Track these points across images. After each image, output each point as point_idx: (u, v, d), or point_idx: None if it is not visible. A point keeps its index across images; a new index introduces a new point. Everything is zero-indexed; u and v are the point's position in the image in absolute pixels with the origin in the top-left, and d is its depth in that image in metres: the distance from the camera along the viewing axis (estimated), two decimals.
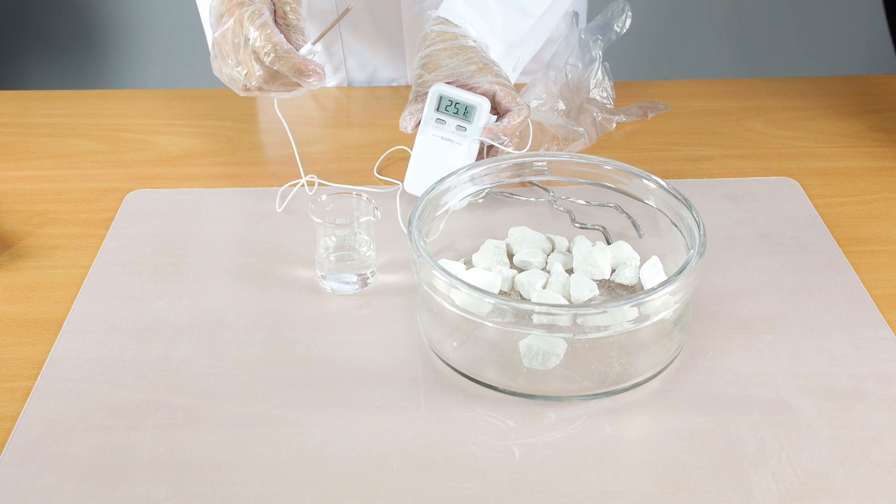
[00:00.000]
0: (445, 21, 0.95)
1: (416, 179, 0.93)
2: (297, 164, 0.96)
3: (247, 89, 0.86)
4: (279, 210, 0.93)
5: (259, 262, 0.87)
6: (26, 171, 1.03)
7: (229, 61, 0.85)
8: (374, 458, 0.68)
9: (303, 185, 0.96)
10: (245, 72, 0.84)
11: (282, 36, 0.83)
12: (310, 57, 0.84)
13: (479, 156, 0.92)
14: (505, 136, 0.90)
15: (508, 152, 0.90)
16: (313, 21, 1.16)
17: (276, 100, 0.93)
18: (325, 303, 0.83)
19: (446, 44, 0.94)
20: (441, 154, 0.91)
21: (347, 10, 0.88)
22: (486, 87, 0.91)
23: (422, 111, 0.92)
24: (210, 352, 0.77)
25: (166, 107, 1.16)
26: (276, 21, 0.86)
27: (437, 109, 0.91)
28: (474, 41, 0.95)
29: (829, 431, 0.70)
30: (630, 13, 1.08)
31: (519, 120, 0.90)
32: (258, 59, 0.83)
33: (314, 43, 0.85)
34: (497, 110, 0.92)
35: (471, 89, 0.91)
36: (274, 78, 0.84)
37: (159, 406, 0.72)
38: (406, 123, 0.93)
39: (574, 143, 1.03)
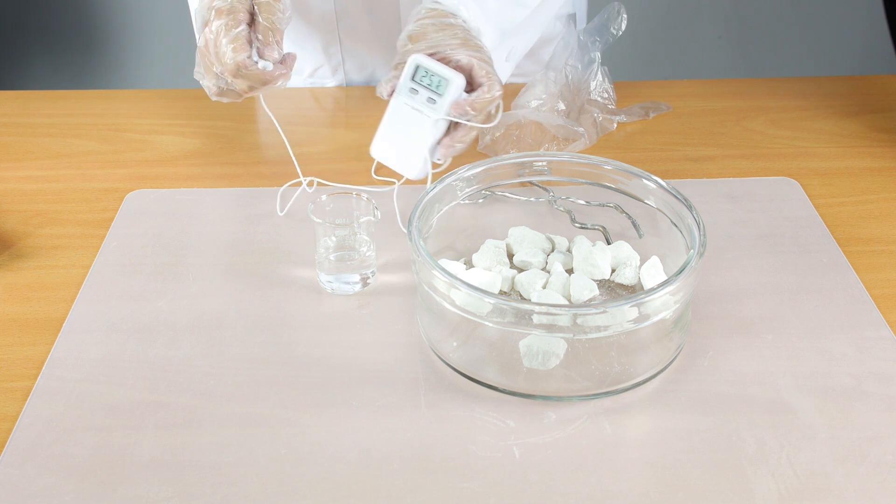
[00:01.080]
0: (440, 3, 0.94)
1: (382, 145, 0.91)
2: (296, 165, 0.96)
3: (221, 93, 0.89)
4: (280, 214, 0.93)
5: (259, 262, 0.87)
6: (26, 171, 1.03)
7: (214, 69, 0.87)
8: (374, 458, 0.68)
9: (302, 185, 0.96)
10: (229, 78, 0.86)
11: (244, 55, 0.84)
12: (269, 67, 0.86)
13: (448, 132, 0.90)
14: (473, 110, 0.88)
15: (474, 127, 0.88)
16: (312, 25, 1.16)
17: (261, 96, 0.93)
18: (325, 303, 0.83)
19: (435, 20, 0.93)
20: (409, 124, 0.89)
21: (293, 56, 0.89)
22: (464, 60, 0.90)
23: (398, 78, 0.91)
24: (210, 352, 0.77)
25: (166, 107, 1.16)
26: (254, 20, 0.87)
27: (413, 79, 0.89)
28: (465, 21, 0.94)
29: (829, 431, 0.70)
30: (625, 15, 1.08)
31: (489, 96, 0.88)
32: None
33: (270, 68, 0.86)
34: (472, 85, 0.91)
35: (449, 62, 0.90)
36: (251, 88, 0.87)
37: (159, 406, 0.72)
38: (382, 89, 0.91)
39: (574, 143, 1.03)
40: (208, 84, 0.89)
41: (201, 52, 0.88)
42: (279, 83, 0.87)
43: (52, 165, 1.04)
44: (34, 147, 1.08)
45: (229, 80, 0.86)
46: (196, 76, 0.90)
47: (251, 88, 0.87)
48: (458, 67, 0.90)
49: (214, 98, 0.90)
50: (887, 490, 0.65)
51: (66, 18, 2.59)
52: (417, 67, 0.88)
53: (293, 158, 0.95)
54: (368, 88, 1.21)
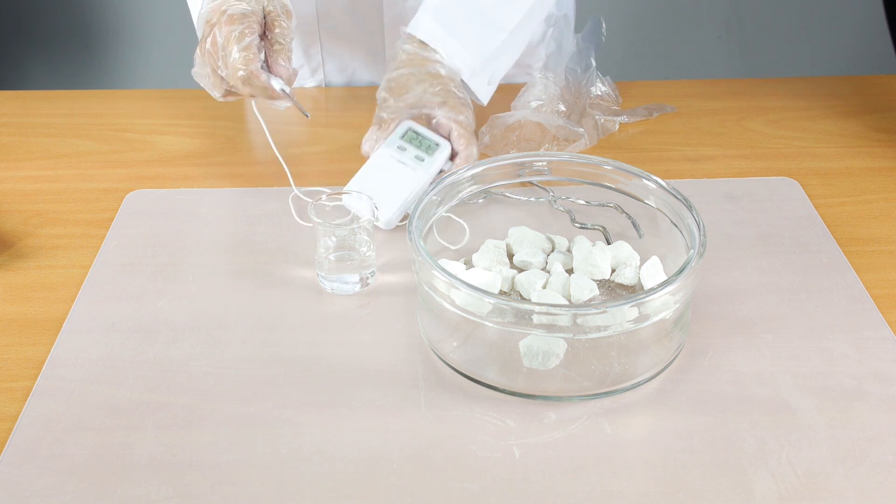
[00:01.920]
0: (416, 41, 0.96)
1: (361, 186, 0.92)
2: (296, 166, 0.96)
3: (227, 94, 0.90)
4: (298, 220, 0.92)
5: (259, 262, 0.87)
6: (26, 171, 1.03)
7: (220, 73, 0.88)
8: (374, 458, 0.68)
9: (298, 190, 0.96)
10: (232, 82, 0.88)
11: (258, 64, 0.86)
12: (288, 90, 0.88)
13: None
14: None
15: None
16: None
17: (253, 102, 0.95)
18: (325, 303, 0.83)
19: (414, 69, 0.95)
20: (393, 172, 0.92)
21: (307, 117, 0.92)
22: (444, 122, 0.94)
23: (382, 139, 0.94)
24: (210, 352, 0.77)
25: (166, 107, 1.16)
26: (265, 34, 0.89)
27: (402, 138, 0.93)
28: (443, 66, 0.95)
29: (829, 431, 0.70)
30: (605, 27, 1.11)
31: (465, 165, 0.92)
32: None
33: (282, 90, 0.88)
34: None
35: (429, 121, 0.94)
36: (252, 95, 0.89)
37: (159, 406, 0.72)
38: (368, 148, 0.94)
39: (574, 143, 1.03)
40: (212, 89, 0.90)
41: (208, 55, 0.88)
42: (282, 105, 0.90)
43: (52, 165, 1.04)
44: (34, 147, 1.08)
45: (234, 85, 0.87)
46: (195, 76, 0.91)
47: (252, 95, 0.88)
48: (437, 127, 0.94)
49: (221, 99, 0.91)
50: (887, 490, 0.65)
51: (65, 18, 2.59)
52: (408, 130, 0.94)
53: (285, 167, 0.95)
54: (349, 90, 1.20)
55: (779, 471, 0.67)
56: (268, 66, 0.89)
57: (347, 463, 0.67)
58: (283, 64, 0.89)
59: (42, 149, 1.07)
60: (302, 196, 0.93)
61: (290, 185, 0.94)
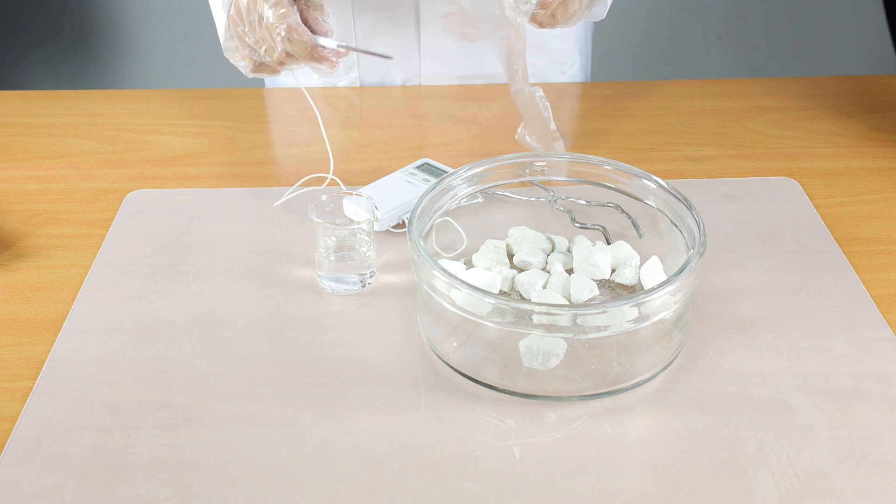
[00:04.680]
0: None
1: (368, 192, 0.94)
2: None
3: (257, 68, 0.87)
4: (276, 204, 0.93)
5: (259, 262, 0.87)
6: (26, 171, 1.03)
7: (247, 40, 0.85)
8: (374, 458, 0.68)
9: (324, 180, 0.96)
10: (264, 48, 0.84)
11: (297, 17, 0.83)
12: (327, 46, 0.85)
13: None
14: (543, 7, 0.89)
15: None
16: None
17: (305, 89, 0.95)
18: (325, 303, 0.83)
19: None
20: (398, 187, 0.94)
21: (390, 57, 0.88)
22: None
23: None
24: (210, 352, 0.77)
25: (166, 107, 1.16)
26: None
27: (417, 167, 0.97)
28: None
29: (829, 431, 0.70)
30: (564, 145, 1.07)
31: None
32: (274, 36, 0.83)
33: (340, 46, 0.85)
34: None
35: None
36: (291, 56, 0.85)
37: (159, 406, 0.72)
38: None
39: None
40: (242, 62, 0.87)
41: (234, 21, 0.85)
42: (323, 65, 0.85)
43: (52, 165, 1.04)
44: (34, 147, 1.08)
45: (267, 49, 0.84)
46: (226, 53, 0.88)
47: (289, 58, 0.84)
48: None
49: (251, 75, 0.88)
50: (887, 490, 0.65)
51: (66, 18, 2.59)
52: (424, 163, 0.98)
53: (329, 150, 0.96)
54: (382, 89, 1.20)
55: (779, 471, 0.67)
56: (308, 26, 0.85)
57: (347, 463, 0.67)
58: (322, 20, 0.84)
59: (42, 149, 1.07)
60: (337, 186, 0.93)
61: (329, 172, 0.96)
